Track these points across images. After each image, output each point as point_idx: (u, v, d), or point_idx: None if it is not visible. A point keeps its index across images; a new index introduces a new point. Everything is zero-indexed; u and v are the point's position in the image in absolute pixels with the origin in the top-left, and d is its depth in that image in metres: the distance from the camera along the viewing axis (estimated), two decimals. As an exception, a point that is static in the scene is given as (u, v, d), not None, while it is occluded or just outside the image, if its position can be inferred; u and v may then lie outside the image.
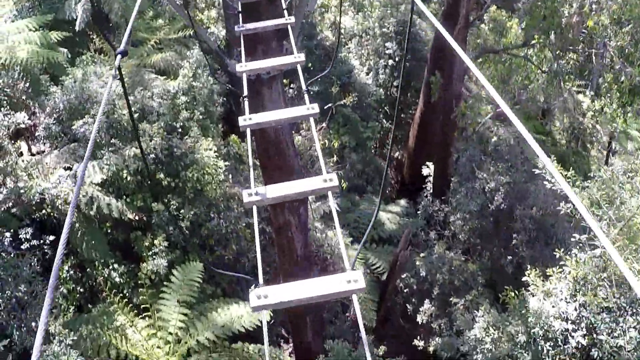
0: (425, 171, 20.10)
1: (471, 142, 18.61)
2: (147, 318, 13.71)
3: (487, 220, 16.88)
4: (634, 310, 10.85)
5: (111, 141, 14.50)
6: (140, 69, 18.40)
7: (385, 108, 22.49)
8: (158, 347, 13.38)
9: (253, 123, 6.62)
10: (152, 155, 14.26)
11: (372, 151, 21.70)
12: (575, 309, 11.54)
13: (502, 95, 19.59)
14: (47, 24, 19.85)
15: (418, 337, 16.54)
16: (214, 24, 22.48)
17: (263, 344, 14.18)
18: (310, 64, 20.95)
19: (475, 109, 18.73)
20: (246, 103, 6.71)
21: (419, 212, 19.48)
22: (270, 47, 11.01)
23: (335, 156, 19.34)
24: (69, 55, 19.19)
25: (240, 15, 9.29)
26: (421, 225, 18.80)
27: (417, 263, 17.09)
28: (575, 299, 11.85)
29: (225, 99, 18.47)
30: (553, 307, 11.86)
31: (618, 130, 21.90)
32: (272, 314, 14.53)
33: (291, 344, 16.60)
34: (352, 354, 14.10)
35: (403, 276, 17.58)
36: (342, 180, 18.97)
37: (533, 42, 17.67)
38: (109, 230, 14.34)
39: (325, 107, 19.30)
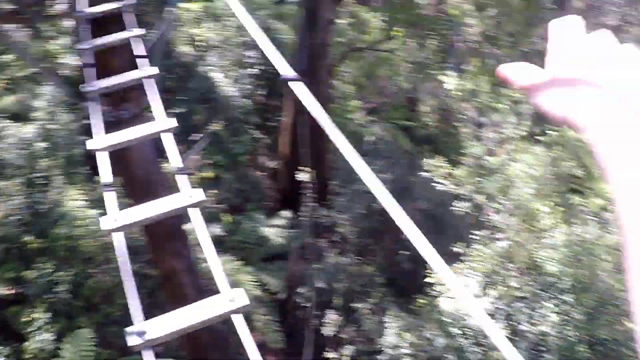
0: (301, 176, 18.98)
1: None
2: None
3: (376, 220, 16.02)
4: (551, 295, 10.41)
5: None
6: (-12, 117, 16.20)
7: (254, 118, 21.14)
8: None
9: (120, 225, 5.17)
10: (16, 217, 12.46)
11: (247, 165, 20.34)
12: (490, 303, 10.94)
13: (370, 90, 18.83)
14: None
15: (327, 350, 15.57)
16: (66, 53, 20.19)
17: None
18: (169, 83, 19.34)
19: (344, 107, 17.84)
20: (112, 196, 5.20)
21: (303, 222, 18.41)
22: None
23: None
24: None
25: (93, 67, 7.54)
26: (309, 235, 17.74)
27: (313, 276, 16.01)
28: (486, 292, 11.26)
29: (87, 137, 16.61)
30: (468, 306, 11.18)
31: (484, 105, 21.54)
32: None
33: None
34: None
35: (301, 291, 16.47)
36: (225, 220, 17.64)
37: (394, 34, 16.94)
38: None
39: (197, 140, 17.76)
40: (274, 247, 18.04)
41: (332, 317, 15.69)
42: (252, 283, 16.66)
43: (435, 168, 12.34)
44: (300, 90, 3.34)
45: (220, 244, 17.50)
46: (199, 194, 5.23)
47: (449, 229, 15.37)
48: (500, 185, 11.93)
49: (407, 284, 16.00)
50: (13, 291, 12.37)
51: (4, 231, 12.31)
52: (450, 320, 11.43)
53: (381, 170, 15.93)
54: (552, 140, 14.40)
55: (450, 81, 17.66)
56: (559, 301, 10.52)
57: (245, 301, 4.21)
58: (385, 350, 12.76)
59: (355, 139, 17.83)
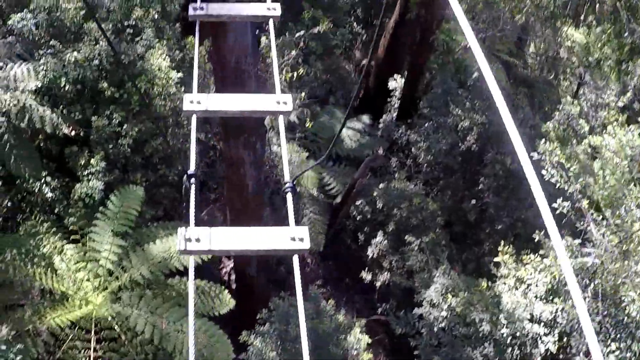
0: (391, 84, 18.37)
1: (448, 71, 16.90)
2: (77, 245, 12.17)
3: (455, 160, 15.42)
4: (618, 335, 9.49)
5: (50, 42, 12.41)
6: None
7: (358, 11, 20.37)
8: (87, 279, 11.92)
9: (204, 14, 5.51)
10: (96, 62, 12.30)
11: (340, 57, 19.70)
12: (551, 313, 10.24)
13: (484, 17, 17.77)
14: None
15: (366, 269, 15.42)
16: None
17: (203, 279, 13.09)
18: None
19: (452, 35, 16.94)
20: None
21: (380, 132, 17.90)
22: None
23: (299, 63, 17.29)
24: None
25: None
26: (383, 147, 17.34)
27: (375, 193, 15.65)
28: (551, 299, 10.58)
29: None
30: (527, 306, 10.51)
31: (593, 66, 20.31)
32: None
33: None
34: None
35: (357, 202, 16.18)
36: (303, 94, 17.08)
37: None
38: (42, 144, 12.46)
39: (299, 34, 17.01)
40: (344, 150, 17.70)
41: (379, 240, 15.43)
42: (314, 179, 16.51)
43: (548, 152, 11.09)
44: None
45: (292, 130, 17.25)
46: (278, 8, 5.23)
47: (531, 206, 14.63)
48: (608, 193, 10.79)
49: (466, 234, 15.60)
50: (76, 132, 12.34)
51: (82, 73, 12.17)
52: (505, 315, 10.77)
53: (477, 110, 15.19)
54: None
55: (574, 34, 16.49)
56: (624, 347, 9.59)
57: (306, 245, 4.01)
58: (424, 304, 12.39)
59: (458, 68, 17.06)
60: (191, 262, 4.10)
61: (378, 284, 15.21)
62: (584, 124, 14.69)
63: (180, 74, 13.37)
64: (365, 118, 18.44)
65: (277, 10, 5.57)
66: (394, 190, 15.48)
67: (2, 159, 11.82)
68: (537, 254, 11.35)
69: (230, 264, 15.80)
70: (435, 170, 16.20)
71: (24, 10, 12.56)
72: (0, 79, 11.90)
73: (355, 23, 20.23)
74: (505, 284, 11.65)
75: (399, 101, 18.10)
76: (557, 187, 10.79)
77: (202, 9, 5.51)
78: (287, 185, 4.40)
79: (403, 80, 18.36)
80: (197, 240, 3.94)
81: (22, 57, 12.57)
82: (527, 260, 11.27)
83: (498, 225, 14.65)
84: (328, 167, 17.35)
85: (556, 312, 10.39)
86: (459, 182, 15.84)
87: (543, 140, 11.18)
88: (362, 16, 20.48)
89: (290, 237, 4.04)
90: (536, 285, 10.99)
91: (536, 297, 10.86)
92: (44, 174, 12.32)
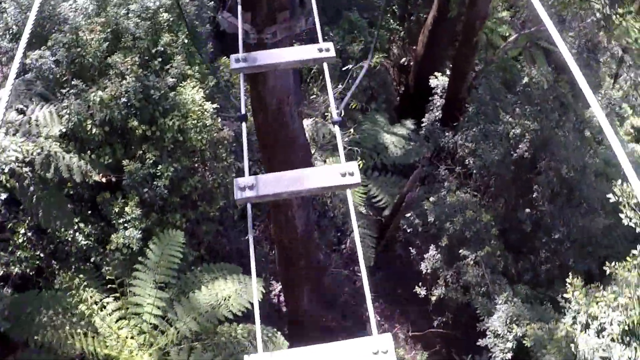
0: (433, 82, 16.41)
1: (494, 70, 14.97)
2: (117, 300, 10.55)
3: (507, 169, 13.57)
4: None
5: (72, 81, 10.64)
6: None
7: (394, 7, 18.31)
8: (131, 337, 10.31)
9: (248, 66, 4.80)
10: (124, 100, 10.53)
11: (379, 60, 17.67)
12: (629, 358, 8.52)
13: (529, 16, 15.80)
14: None
15: (419, 284, 13.74)
16: None
17: (253, 323, 11.44)
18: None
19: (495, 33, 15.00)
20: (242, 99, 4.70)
21: (424, 132, 15.93)
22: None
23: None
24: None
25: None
26: (430, 153, 15.47)
27: (426, 207, 13.84)
28: (628, 341, 8.81)
29: (216, 15, 14.32)
30: (604, 350, 8.76)
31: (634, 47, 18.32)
32: (264, 291, 11.43)
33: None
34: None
35: (407, 215, 14.36)
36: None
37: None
38: (71, 191, 10.76)
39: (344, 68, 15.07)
40: (389, 158, 15.80)
41: (432, 254, 13.72)
42: (359, 194, 14.75)
43: (626, 194, 9.17)
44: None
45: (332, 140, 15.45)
46: (331, 49, 4.64)
47: (581, 188, 13.04)
48: None
49: (521, 243, 13.85)
50: (106, 179, 10.64)
51: (109, 114, 10.44)
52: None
53: (528, 116, 13.33)
54: None
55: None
56: None
57: (357, 179, 3.91)
58: (488, 334, 10.79)
59: (504, 67, 15.13)
60: (249, 211, 3.93)
61: (433, 298, 13.60)
62: (627, 107, 13.35)
63: (215, 105, 11.59)
64: (409, 123, 16.48)
65: (330, 50, 4.77)
66: (445, 201, 13.70)
67: (30, 210, 10.22)
68: (607, 288, 9.64)
69: (278, 286, 14.23)
70: (485, 177, 14.35)
71: (42, 48, 10.80)
72: (22, 124, 10.22)
73: (391, 20, 18.24)
74: (576, 320, 9.85)
75: (443, 101, 16.15)
76: (636, 230, 8.95)
77: (244, 60, 4.77)
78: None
79: (445, 78, 16.43)
80: (251, 187, 3.83)
81: (43, 96, 10.82)
82: (600, 298, 9.46)
83: (555, 235, 13.00)
84: (373, 178, 15.48)
85: (635, 357, 8.68)
86: (511, 190, 14.03)
87: (619, 181, 9.36)
88: (399, 12, 18.44)
89: (340, 172, 3.89)
90: (610, 324, 9.20)
91: (612, 340, 9.10)
92: (76, 220, 10.71)
